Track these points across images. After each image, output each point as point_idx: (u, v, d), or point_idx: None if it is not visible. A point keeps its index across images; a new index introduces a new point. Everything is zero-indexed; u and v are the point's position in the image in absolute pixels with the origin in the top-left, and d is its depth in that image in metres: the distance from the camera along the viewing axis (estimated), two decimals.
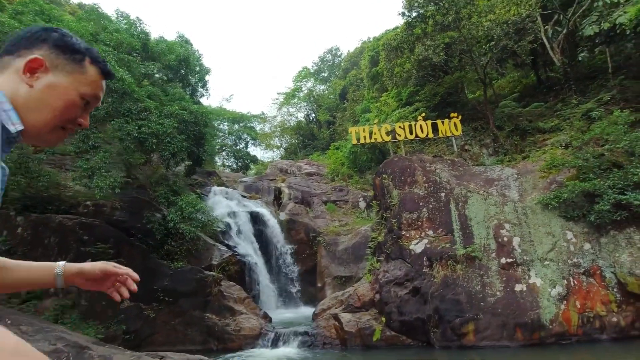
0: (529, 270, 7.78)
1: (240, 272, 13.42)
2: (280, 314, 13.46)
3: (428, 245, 8.92)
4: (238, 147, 47.39)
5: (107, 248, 9.61)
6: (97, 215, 10.48)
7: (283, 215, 19.14)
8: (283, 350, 9.23)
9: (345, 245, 16.67)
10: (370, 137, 11.35)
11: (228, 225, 15.62)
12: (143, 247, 10.63)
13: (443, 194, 9.36)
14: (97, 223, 10.15)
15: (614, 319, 7.16)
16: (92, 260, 1.18)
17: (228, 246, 14.25)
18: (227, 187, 21.60)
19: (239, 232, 15.92)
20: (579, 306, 7.32)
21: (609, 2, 10.20)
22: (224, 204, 17.67)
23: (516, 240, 8.10)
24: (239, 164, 46.89)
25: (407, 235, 9.32)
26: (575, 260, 7.53)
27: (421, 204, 9.44)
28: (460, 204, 9.05)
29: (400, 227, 9.43)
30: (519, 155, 10.71)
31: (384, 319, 8.75)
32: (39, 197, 9.85)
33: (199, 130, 13.10)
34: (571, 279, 7.47)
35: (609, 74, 11.39)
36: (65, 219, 9.81)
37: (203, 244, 12.90)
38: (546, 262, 7.68)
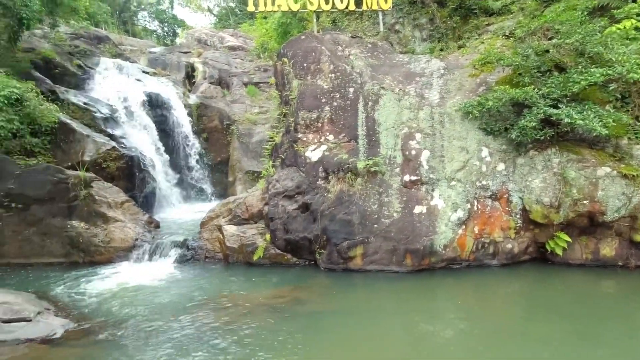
0: (432, 190, 6.60)
1: (126, 168, 11.16)
2: (185, 212, 12.15)
3: (327, 153, 7.31)
4: (161, 8, 39.52)
5: None
6: None
7: (194, 98, 16.31)
8: (157, 265, 8.01)
9: (260, 136, 14.81)
10: (273, 4, 8.44)
11: (113, 110, 12.76)
12: None
13: (351, 90, 7.36)
14: None
15: (509, 245, 6.50)
16: None
17: (112, 137, 11.68)
18: (127, 59, 17.58)
19: (130, 118, 13.16)
20: (476, 232, 6.49)
21: None
22: (115, 82, 14.35)
23: (425, 155, 6.69)
24: (165, 29, 39.67)
25: (304, 139, 7.55)
26: (484, 182, 6.40)
27: (324, 100, 7.44)
28: (370, 103, 7.19)
29: (297, 129, 7.58)
30: (455, 43, 8.64)
31: (268, 237, 7.57)
32: None
33: None
34: (475, 203, 6.45)
35: None
36: None
37: (79, 135, 10.47)
38: (453, 183, 6.49)
